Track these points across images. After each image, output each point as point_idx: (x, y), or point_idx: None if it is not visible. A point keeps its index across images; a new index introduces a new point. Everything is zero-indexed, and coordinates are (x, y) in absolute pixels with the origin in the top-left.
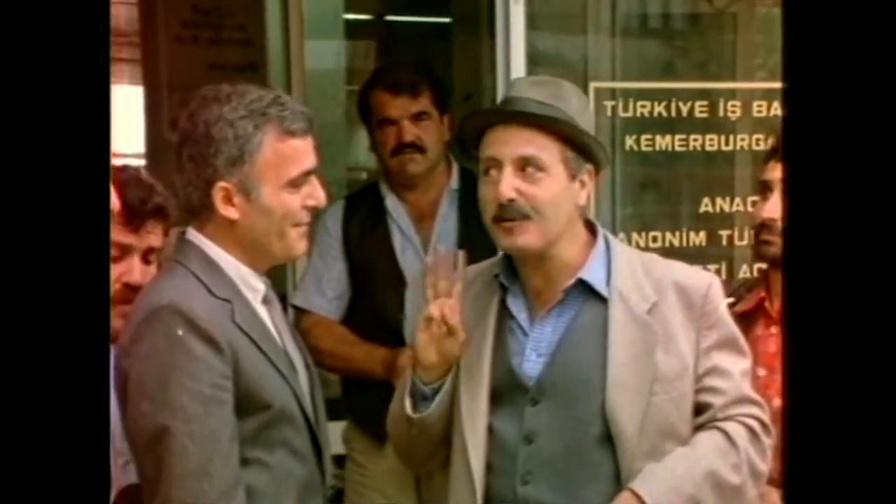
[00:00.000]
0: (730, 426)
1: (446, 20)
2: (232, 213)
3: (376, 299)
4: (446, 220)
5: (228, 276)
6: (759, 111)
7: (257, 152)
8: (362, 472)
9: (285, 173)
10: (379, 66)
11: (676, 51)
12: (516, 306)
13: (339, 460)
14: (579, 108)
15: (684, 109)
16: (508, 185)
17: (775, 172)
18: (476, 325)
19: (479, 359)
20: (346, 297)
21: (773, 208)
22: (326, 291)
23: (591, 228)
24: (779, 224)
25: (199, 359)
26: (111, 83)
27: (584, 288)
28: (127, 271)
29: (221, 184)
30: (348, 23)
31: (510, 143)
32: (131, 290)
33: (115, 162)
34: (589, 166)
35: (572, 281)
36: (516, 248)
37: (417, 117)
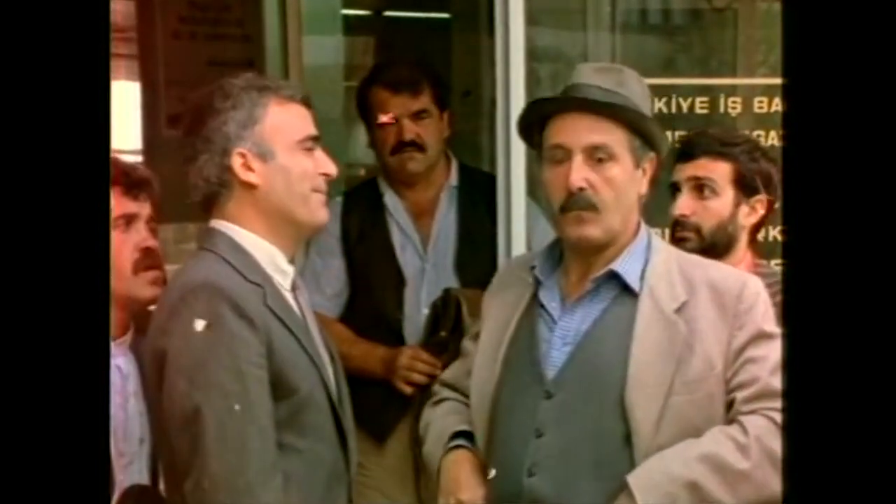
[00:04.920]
0: (748, 418)
1: (445, 16)
2: (252, 177)
3: (375, 297)
4: (446, 218)
5: (258, 262)
6: (760, 107)
7: (265, 115)
8: (361, 471)
9: (294, 134)
10: (378, 63)
11: (677, 47)
12: (548, 297)
13: None
14: (642, 95)
15: (685, 106)
16: (579, 173)
17: (681, 173)
18: (501, 318)
19: (494, 352)
20: (344, 294)
21: (683, 205)
22: (325, 289)
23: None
24: (691, 220)
25: (237, 336)
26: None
27: (618, 281)
28: (141, 238)
29: (238, 150)
30: (347, 18)
31: (579, 131)
32: (151, 253)
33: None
34: (652, 154)
35: (603, 271)
36: (581, 238)
37: (417, 115)
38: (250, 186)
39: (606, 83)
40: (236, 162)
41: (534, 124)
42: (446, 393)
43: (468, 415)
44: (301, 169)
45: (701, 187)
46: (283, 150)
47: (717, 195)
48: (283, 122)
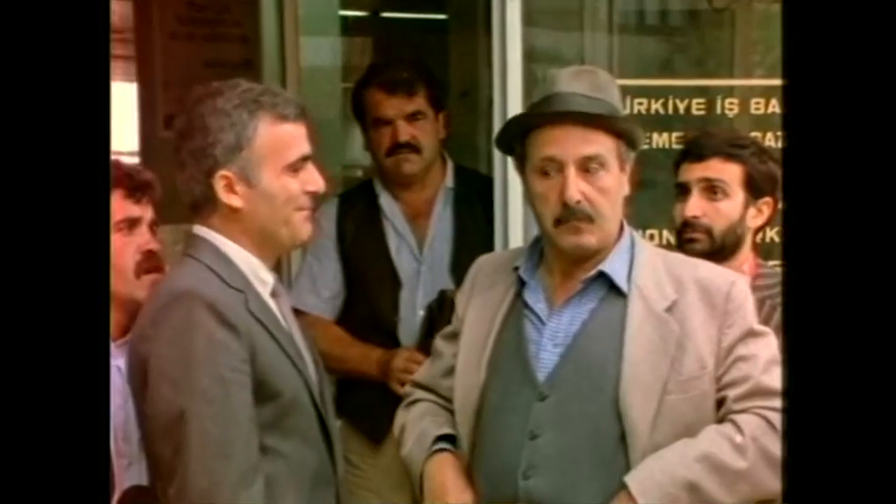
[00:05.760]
0: (741, 417)
1: (442, 16)
2: (235, 201)
3: (371, 299)
4: (441, 219)
5: (239, 268)
6: (758, 108)
7: (254, 138)
8: (357, 472)
9: (283, 157)
10: (373, 64)
11: (674, 48)
12: (534, 298)
13: None
14: (617, 95)
15: (682, 107)
16: (575, 186)
17: (690, 173)
18: (483, 319)
19: (478, 354)
20: (340, 296)
21: (694, 206)
22: (321, 291)
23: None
24: (702, 221)
25: (219, 342)
26: None
27: (605, 281)
28: (144, 241)
29: (222, 172)
30: (344, 19)
31: (571, 143)
32: (153, 256)
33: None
34: (632, 154)
35: (593, 272)
36: (578, 247)
37: (413, 117)
38: (233, 208)
39: (586, 89)
40: (219, 184)
41: (515, 136)
42: (420, 394)
43: (446, 416)
44: (286, 194)
45: (712, 189)
46: (270, 174)
47: (728, 197)
48: (273, 146)
